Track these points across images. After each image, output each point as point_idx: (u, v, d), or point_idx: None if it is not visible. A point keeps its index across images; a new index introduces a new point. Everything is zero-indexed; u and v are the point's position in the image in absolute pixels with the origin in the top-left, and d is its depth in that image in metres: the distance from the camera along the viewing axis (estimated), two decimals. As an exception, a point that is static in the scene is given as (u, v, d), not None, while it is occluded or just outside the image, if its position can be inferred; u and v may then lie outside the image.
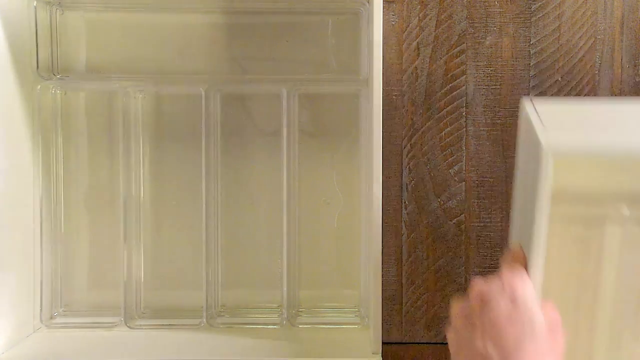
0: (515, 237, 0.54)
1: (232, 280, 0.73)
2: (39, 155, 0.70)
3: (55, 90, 0.71)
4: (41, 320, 0.71)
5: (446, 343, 0.68)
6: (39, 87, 0.69)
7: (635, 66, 0.71)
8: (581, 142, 0.48)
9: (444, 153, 0.72)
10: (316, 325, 0.71)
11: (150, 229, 0.73)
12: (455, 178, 0.72)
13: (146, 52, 0.71)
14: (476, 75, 0.71)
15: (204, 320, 0.70)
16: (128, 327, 0.70)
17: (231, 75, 0.71)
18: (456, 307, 0.52)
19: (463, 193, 0.72)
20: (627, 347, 0.52)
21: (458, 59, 0.71)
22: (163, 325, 0.71)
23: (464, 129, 0.72)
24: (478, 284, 0.50)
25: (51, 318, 0.72)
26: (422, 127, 0.71)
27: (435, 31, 0.70)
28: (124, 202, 0.70)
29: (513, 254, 0.52)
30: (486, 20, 0.70)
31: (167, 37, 0.71)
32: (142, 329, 0.70)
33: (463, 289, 0.72)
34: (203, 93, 0.69)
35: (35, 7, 0.67)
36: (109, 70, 0.71)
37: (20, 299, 0.68)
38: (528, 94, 0.71)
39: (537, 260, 0.48)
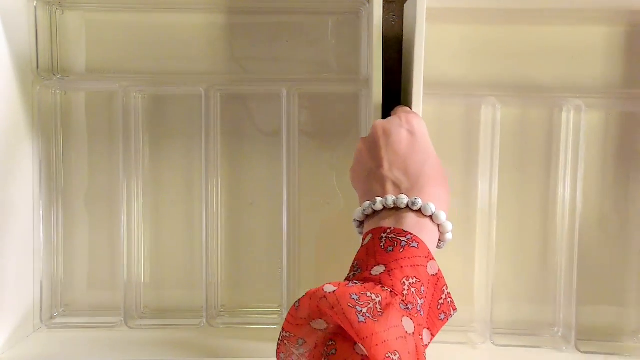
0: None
1: (232, 280, 0.73)
2: (39, 156, 0.70)
3: (55, 90, 0.71)
4: (41, 320, 0.71)
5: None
6: (39, 87, 0.69)
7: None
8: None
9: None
10: (316, 325, 0.71)
11: (150, 229, 0.73)
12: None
13: (146, 52, 0.71)
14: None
15: (204, 320, 0.70)
16: (128, 327, 0.70)
17: (231, 75, 0.71)
18: (361, 143, 0.55)
19: (463, 193, 0.72)
20: (509, 192, 0.70)
21: (458, 59, 0.71)
22: (163, 325, 0.71)
23: (464, 129, 0.72)
24: (379, 122, 0.54)
25: (51, 318, 0.72)
26: (422, 127, 0.71)
27: (435, 31, 0.70)
28: (124, 202, 0.70)
29: (401, 106, 0.60)
30: (486, 20, 0.70)
31: (167, 37, 0.71)
32: (142, 329, 0.70)
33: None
34: (203, 93, 0.69)
35: (35, 7, 0.68)
36: (109, 70, 0.71)
37: (20, 299, 0.68)
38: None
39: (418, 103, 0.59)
